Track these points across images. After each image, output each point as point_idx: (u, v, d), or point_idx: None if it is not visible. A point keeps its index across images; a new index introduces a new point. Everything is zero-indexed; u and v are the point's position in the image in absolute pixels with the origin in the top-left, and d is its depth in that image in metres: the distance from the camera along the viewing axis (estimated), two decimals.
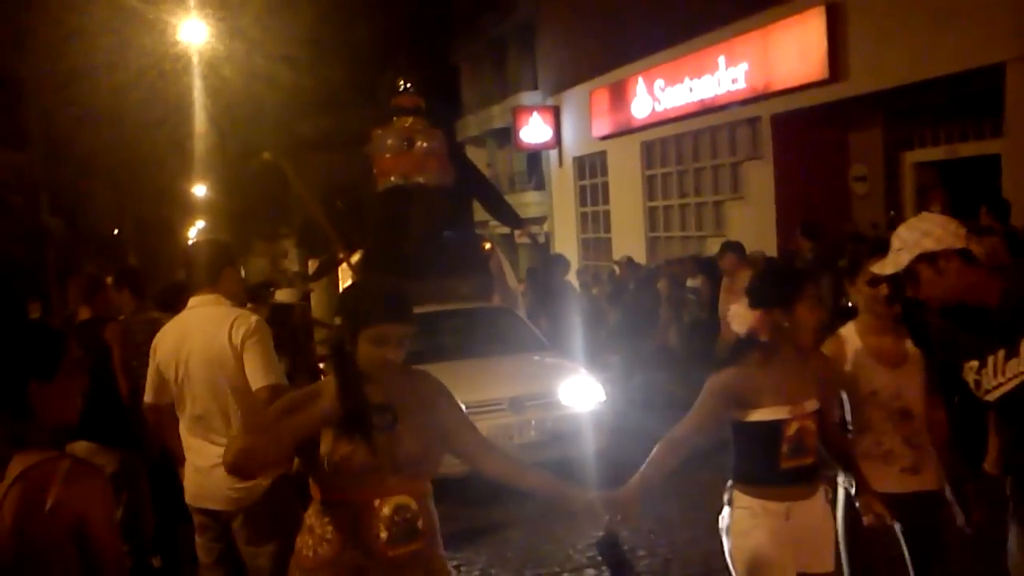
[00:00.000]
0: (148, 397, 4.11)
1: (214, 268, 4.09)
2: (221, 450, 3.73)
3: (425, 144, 9.86)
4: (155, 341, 4.12)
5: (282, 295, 9.34)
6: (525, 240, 11.31)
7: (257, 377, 3.79)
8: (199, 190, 44.64)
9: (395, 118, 10.02)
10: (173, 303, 6.66)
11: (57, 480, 2.08)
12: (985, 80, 10.64)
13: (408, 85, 10.18)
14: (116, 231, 34.71)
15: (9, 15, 18.71)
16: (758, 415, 3.15)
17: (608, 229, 20.30)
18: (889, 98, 12.25)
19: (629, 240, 18.68)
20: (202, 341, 3.89)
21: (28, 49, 20.01)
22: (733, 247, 9.50)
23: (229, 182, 33.55)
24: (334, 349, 2.62)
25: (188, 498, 4.00)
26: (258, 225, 38.22)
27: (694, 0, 18.16)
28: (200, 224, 56.59)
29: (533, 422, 7.48)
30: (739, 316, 3.25)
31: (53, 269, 20.79)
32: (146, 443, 5.00)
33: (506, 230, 14.21)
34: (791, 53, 13.24)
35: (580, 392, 7.75)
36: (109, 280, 6.03)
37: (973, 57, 10.38)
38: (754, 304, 3.23)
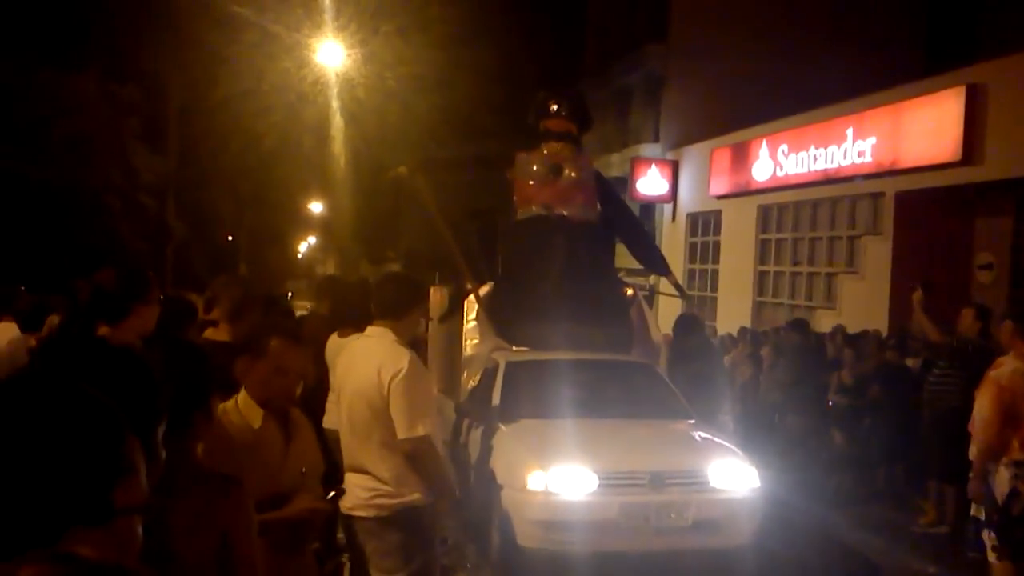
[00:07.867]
0: (325, 422, 4.21)
1: (402, 305, 4.08)
2: (360, 479, 3.86)
3: (574, 174, 8.96)
4: (335, 360, 4.29)
5: None
6: (671, 290, 10.47)
7: (401, 426, 3.78)
8: (316, 207, 45.98)
9: (543, 143, 9.13)
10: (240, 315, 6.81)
11: (209, 496, 2.15)
12: None
13: (560, 109, 9.19)
14: (231, 238, 36.03)
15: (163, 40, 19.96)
16: None
17: (715, 288, 20.09)
18: (1023, 186, 11.86)
19: (735, 303, 18.44)
20: (357, 372, 3.96)
21: (177, 78, 21.41)
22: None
23: (351, 202, 34.41)
24: None
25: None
26: (367, 247, 39.02)
27: (826, 69, 18.09)
28: (311, 240, 58.29)
29: (676, 504, 6.42)
30: None
31: (172, 267, 22.19)
32: None
33: None
34: (924, 131, 12.94)
35: (732, 475, 6.64)
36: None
37: None
38: None
